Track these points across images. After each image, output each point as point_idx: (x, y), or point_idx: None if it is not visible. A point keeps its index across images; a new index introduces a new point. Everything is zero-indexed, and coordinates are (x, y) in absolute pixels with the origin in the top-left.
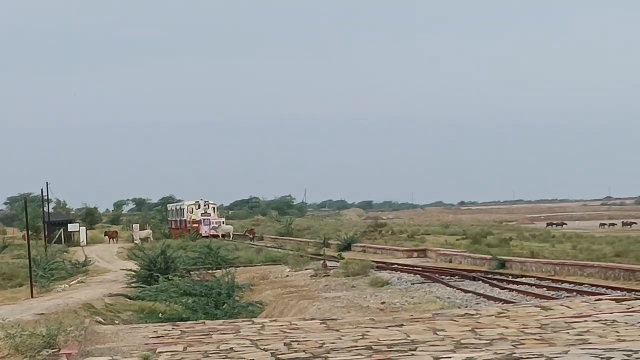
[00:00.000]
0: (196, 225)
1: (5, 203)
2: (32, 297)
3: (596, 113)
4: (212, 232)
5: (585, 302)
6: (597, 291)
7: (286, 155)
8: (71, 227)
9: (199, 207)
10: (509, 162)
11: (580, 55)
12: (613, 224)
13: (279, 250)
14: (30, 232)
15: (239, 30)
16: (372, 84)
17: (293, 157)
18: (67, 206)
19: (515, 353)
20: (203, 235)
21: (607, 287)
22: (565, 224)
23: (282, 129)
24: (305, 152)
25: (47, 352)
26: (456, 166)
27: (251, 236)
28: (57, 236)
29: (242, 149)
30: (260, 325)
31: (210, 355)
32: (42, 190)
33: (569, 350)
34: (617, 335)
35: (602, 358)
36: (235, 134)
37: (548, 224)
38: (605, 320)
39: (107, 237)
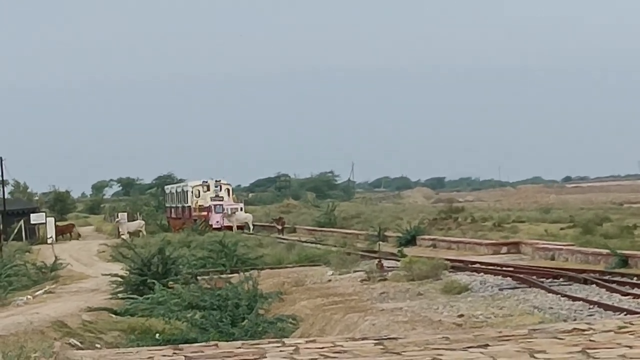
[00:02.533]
0: (204, 213)
1: None
2: None
3: None
4: (226, 222)
5: None
6: None
7: (326, 119)
8: (35, 219)
9: (208, 189)
10: (634, 125)
11: None
12: None
13: (318, 246)
14: None
15: None
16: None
17: (336, 120)
18: (28, 190)
19: None
20: (214, 226)
21: None
22: None
23: (320, 82)
24: (352, 114)
25: None
26: (559, 131)
27: (280, 227)
28: (15, 230)
29: (267, 109)
30: (294, 348)
31: None
32: None
33: None
34: None
35: None
36: (256, 89)
37: None
38: None
39: (58, 234)
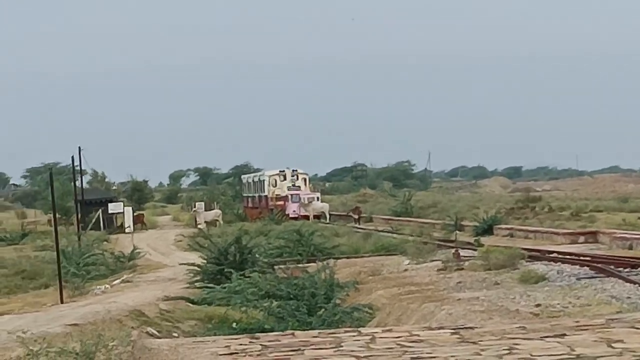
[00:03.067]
0: (281, 202)
1: (24, 177)
2: (62, 302)
3: None
4: (303, 211)
5: None
6: None
7: (403, 107)
8: (112, 208)
9: (285, 179)
10: None
11: None
12: None
13: (394, 235)
14: (58, 215)
15: None
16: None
17: (413, 109)
18: (106, 180)
19: None
20: (290, 216)
21: None
22: None
23: (396, 71)
24: (429, 102)
25: None
26: (638, 119)
27: (356, 217)
28: (94, 220)
29: (342, 98)
30: (370, 337)
31: None
32: (72, 158)
33: None
34: None
35: None
36: (331, 77)
37: None
38: None
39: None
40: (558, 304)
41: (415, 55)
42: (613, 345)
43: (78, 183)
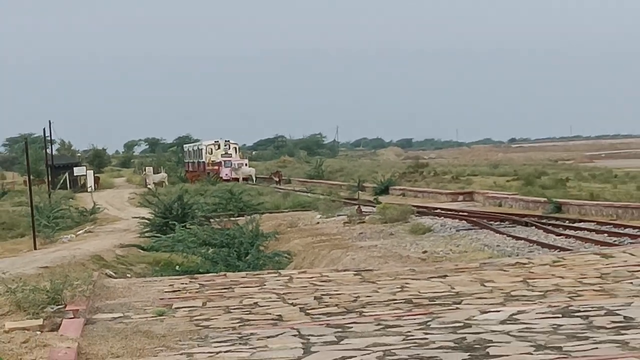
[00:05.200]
0: (216, 167)
1: (4, 145)
2: (35, 248)
3: None
4: (234, 175)
5: None
6: None
7: (316, 89)
8: (77, 171)
9: (219, 148)
10: (566, 94)
11: None
12: None
13: (308, 194)
14: (32, 177)
15: None
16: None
17: (324, 91)
18: (72, 148)
19: (572, 306)
20: (223, 178)
21: None
22: None
23: (312, 59)
24: (337, 85)
25: (52, 308)
26: (506, 99)
27: (277, 179)
28: (61, 181)
29: (267, 82)
30: (288, 278)
31: (232, 310)
32: (44, 130)
33: (632, 302)
34: None
35: None
36: (259, 64)
37: None
38: None
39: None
40: (441, 250)
41: (335, 49)
42: (485, 284)
43: (49, 151)
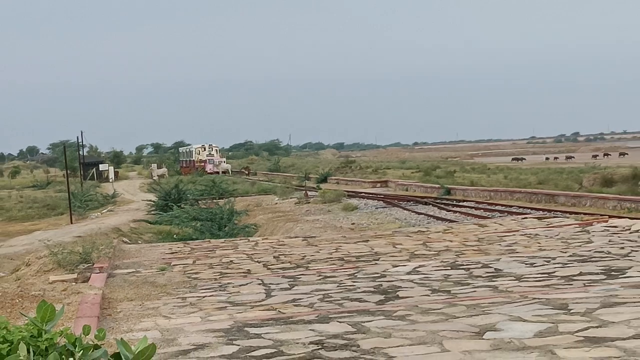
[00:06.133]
0: (202, 164)
1: (48, 148)
2: (71, 222)
3: (521, 68)
4: (215, 169)
5: (513, 220)
6: (523, 212)
7: (275, 106)
8: (102, 167)
9: (205, 150)
10: (453, 108)
11: (502, 17)
12: (556, 158)
13: (269, 183)
14: (68, 172)
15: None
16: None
17: (281, 107)
18: (98, 150)
19: (457, 261)
20: (208, 172)
21: (532, 209)
22: (524, 159)
23: (274, 86)
24: (290, 104)
25: (84, 266)
26: (412, 113)
27: (247, 172)
28: (90, 174)
29: (240, 101)
30: (254, 243)
31: (214, 266)
32: (77, 137)
33: (500, 258)
34: (539, 246)
35: (526, 263)
36: (236, 88)
37: (513, 159)
38: (530, 234)
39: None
40: (364, 222)
41: (293, 77)
42: (396, 246)
43: (81, 152)
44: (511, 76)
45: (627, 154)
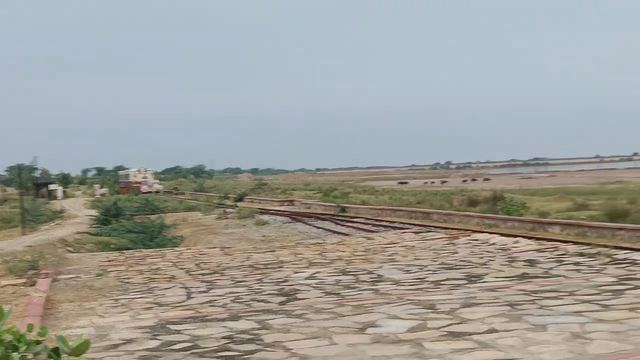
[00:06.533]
0: (138, 185)
1: (6, 170)
2: (24, 234)
3: (403, 110)
4: (149, 189)
5: (395, 234)
6: (403, 227)
7: (200, 138)
8: (52, 187)
9: (141, 173)
10: (349, 141)
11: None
12: (433, 182)
13: (195, 201)
14: (23, 191)
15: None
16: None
17: (205, 139)
18: (49, 172)
19: (347, 268)
20: (143, 192)
21: (411, 224)
22: (408, 182)
23: (196, 123)
24: (212, 137)
25: (32, 272)
26: (314, 144)
27: (175, 192)
28: (42, 193)
29: (172, 134)
30: (179, 252)
31: (144, 272)
32: (31, 161)
33: (382, 266)
34: (415, 256)
35: (403, 270)
36: (167, 125)
37: (399, 183)
38: (408, 246)
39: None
40: (273, 235)
41: (185, 114)
42: (297, 255)
43: (34, 174)
44: (396, 116)
45: (490, 179)
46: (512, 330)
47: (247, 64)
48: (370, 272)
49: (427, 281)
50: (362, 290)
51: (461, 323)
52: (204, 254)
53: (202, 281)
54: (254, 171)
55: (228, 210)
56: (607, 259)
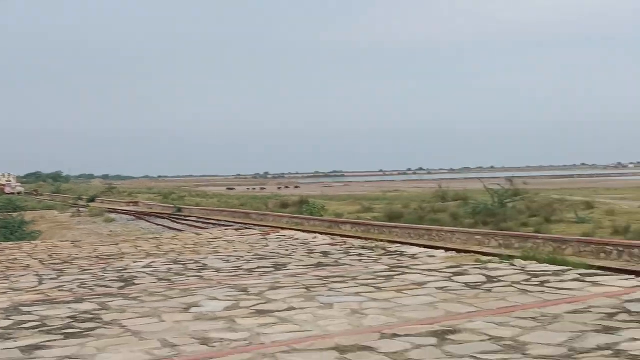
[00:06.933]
0: (2, 186)
1: None
2: None
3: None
4: (12, 190)
5: (219, 230)
6: (227, 224)
7: (60, 147)
8: None
9: (5, 176)
10: (187, 151)
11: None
12: (254, 188)
13: (52, 201)
14: None
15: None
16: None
17: (64, 147)
18: None
19: (178, 258)
20: (6, 192)
21: (233, 222)
22: (234, 188)
23: (60, 136)
24: (71, 146)
25: None
26: (156, 156)
27: (35, 194)
28: None
29: (34, 143)
30: (35, 245)
31: (2, 262)
32: None
33: (207, 257)
34: (234, 248)
35: (224, 260)
36: (27, 137)
37: (227, 188)
38: (229, 240)
39: None
40: (119, 230)
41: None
42: (137, 247)
43: None
44: (225, 134)
45: (299, 186)
46: (306, 308)
47: (101, 85)
48: (197, 262)
49: (243, 269)
50: (189, 276)
51: (267, 302)
52: (57, 246)
53: (53, 269)
54: (105, 177)
55: (81, 209)
56: (383, 251)
